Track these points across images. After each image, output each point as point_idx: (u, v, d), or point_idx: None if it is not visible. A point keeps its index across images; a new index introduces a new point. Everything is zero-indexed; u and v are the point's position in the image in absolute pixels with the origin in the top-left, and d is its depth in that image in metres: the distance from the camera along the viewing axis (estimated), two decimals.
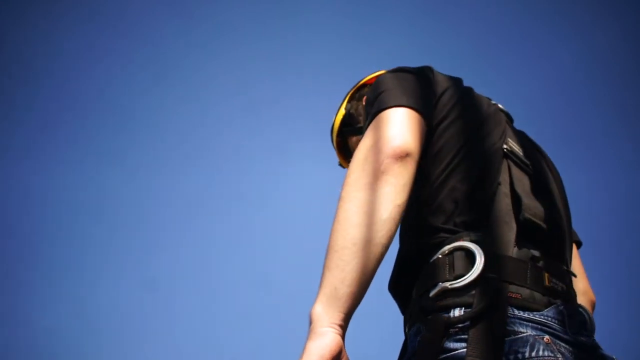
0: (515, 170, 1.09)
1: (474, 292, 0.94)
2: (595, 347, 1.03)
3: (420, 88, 1.11)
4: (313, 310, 0.94)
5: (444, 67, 1.23)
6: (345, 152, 1.56)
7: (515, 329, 0.93)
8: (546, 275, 1.00)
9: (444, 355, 0.92)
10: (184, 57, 5.01)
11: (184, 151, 5.09)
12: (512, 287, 0.96)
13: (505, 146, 1.11)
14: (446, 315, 0.94)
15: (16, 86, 4.81)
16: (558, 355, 0.91)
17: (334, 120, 1.54)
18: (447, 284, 0.96)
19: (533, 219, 1.03)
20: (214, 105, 5.12)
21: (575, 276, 1.12)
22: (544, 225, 1.04)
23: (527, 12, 4.43)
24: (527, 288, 0.97)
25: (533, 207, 1.04)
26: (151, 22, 4.94)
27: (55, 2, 4.81)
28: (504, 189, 1.06)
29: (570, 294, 1.06)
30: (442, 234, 1.03)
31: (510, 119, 1.28)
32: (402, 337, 1.10)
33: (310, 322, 0.94)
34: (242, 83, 4.99)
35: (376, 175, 0.98)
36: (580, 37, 4.36)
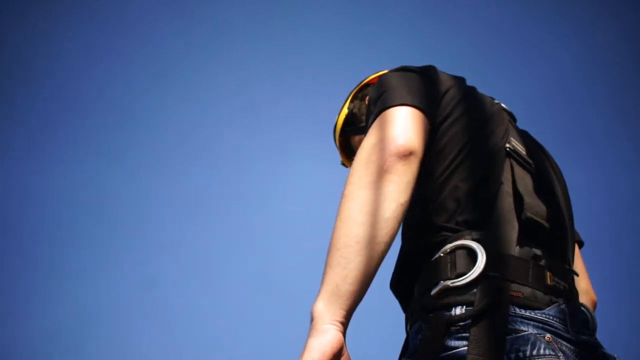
0: (518, 169, 1.09)
1: (475, 290, 0.94)
2: (597, 346, 1.04)
3: (424, 87, 1.11)
4: (315, 307, 0.95)
5: (444, 67, 1.23)
6: (348, 152, 1.56)
7: (517, 327, 0.93)
8: (548, 274, 1.00)
9: (445, 354, 0.92)
10: (184, 57, 5.01)
11: (183, 151, 5.09)
12: (514, 286, 0.96)
13: (507, 145, 1.11)
14: (447, 313, 0.94)
15: (16, 86, 4.81)
16: (559, 354, 0.91)
17: (337, 120, 1.54)
18: (449, 282, 0.97)
19: (535, 217, 1.03)
20: (214, 105, 5.12)
21: (577, 275, 1.12)
22: (546, 224, 1.05)
23: (527, 12, 4.43)
24: (529, 287, 0.97)
25: (535, 206, 1.05)
26: (151, 22, 4.94)
27: (55, 2, 4.81)
28: (507, 187, 1.06)
29: (572, 292, 1.06)
30: (444, 233, 1.04)
31: (513, 119, 1.28)
32: (404, 335, 1.10)
33: (312, 319, 0.94)
34: (242, 83, 5.00)
35: (379, 174, 0.99)
36: (580, 37, 4.36)
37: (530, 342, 0.91)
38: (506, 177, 1.07)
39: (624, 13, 4.15)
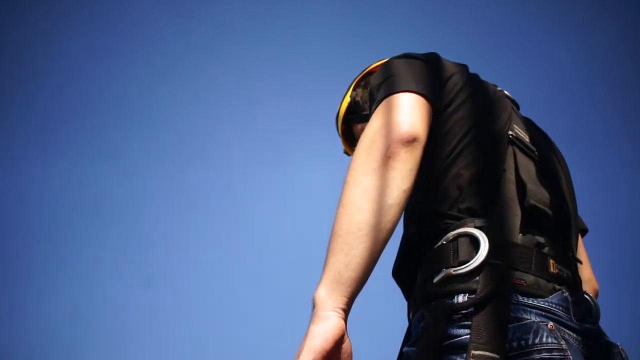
0: (521, 157, 1.08)
1: (478, 278, 0.94)
2: (600, 334, 1.03)
3: (427, 74, 1.11)
4: (316, 294, 0.94)
5: None
6: (350, 140, 1.55)
7: (519, 315, 0.92)
8: (551, 261, 1.00)
9: (448, 342, 0.92)
10: (183, 57, 5.01)
11: (182, 150, 5.09)
12: (517, 274, 0.96)
13: (510, 132, 1.11)
14: (450, 301, 0.94)
15: (16, 86, 4.81)
16: (562, 342, 0.91)
17: (339, 108, 1.53)
18: (451, 270, 0.96)
19: (538, 205, 1.02)
20: (213, 105, 5.12)
21: (581, 263, 1.12)
22: (549, 212, 1.04)
23: (527, 12, 4.44)
24: (532, 274, 0.97)
25: (538, 193, 1.04)
26: (151, 22, 4.94)
27: (55, 2, 4.82)
28: (509, 175, 1.05)
29: (576, 280, 1.06)
30: (447, 220, 1.03)
31: (516, 106, 1.28)
32: (406, 324, 1.09)
33: (314, 306, 0.94)
34: (241, 83, 5.00)
35: (382, 160, 0.98)
36: (580, 37, 4.37)
37: (532, 330, 0.91)
38: (509, 164, 1.06)
39: (624, 13, 4.16)
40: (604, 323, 1.12)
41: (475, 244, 0.97)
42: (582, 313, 1.00)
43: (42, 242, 4.78)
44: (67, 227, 4.84)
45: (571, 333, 0.95)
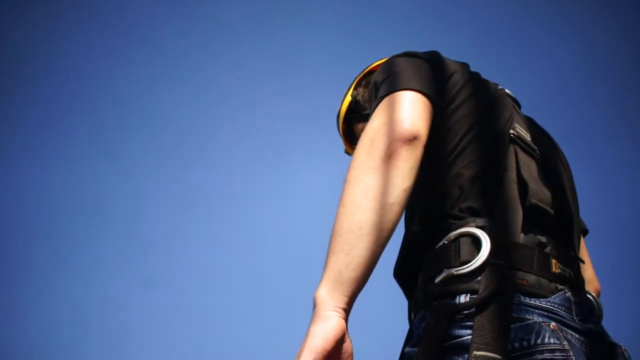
0: (522, 156, 1.08)
1: (479, 278, 0.93)
2: (603, 335, 1.03)
3: (428, 72, 1.10)
4: (317, 293, 0.94)
5: None
6: (351, 139, 1.54)
7: (521, 315, 0.92)
8: (554, 261, 0.99)
9: (449, 342, 0.91)
10: (183, 57, 5.01)
11: (181, 150, 5.09)
12: (519, 274, 0.95)
13: (512, 131, 1.10)
14: (452, 301, 0.94)
15: (16, 86, 4.80)
16: (564, 343, 0.91)
17: (340, 107, 1.53)
18: (453, 270, 0.96)
19: (540, 204, 1.02)
20: (213, 105, 5.12)
21: (583, 262, 1.11)
22: (551, 211, 1.03)
23: (527, 12, 4.43)
24: (534, 274, 0.96)
25: (540, 192, 1.03)
26: (151, 22, 4.94)
27: (55, 2, 4.81)
28: (511, 174, 1.05)
29: (578, 280, 1.05)
30: (448, 220, 1.03)
31: (517, 105, 1.27)
32: (407, 323, 1.09)
33: (314, 306, 0.93)
34: (241, 83, 5.00)
35: (383, 159, 0.98)
36: (580, 37, 4.36)
37: (534, 330, 0.90)
38: (510, 163, 1.06)
39: (624, 13, 4.16)
40: (605, 323, 1.12)
41: (477, 243, 0.96)
42: (585, 313, 1.00)
43: (42, 242, 4.78)
44: (67, 227, 4.84)
45: (573, 333, 0.94)
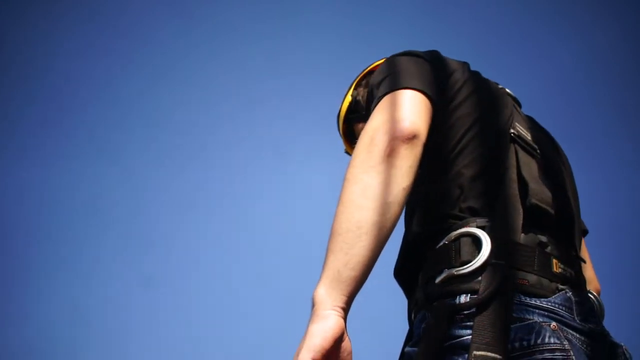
0: (523, 155, 1.08)
1: (480, 278, 0.93)
2: (604, 335, 1.02)
3: (428, 71, 1.10)
4: (316, 292, 0.93)
5: None
6: (352, 140, 1.53)
7: (522, 315, 0.92)
8: (554, 261, 0.99)
9: (449, 342, 0.91)
10: (183, 57, 5.01)
11: (181, 150, 5.09)
12: (519, 273, 0.95)
13: (512, 130, 1.10)
14: (452, 301, 0.94)
15: (16, 86, 4.81)
16: (565, 343, 0.90)
17: (341, 107, 1.53)
18: (453, 270, 0.96)
19: (540, 204, 1.02)
20: (213, 105, 5.12)
21: (584, 262, 1.11)
22: (551, 211, 1.03)
23: (527, 12, 4.43)
24: (535, 274, 0.96)
25: (540, 192, 1.03)
26: (151, 22, 4.94)
27: (55, 2, 4.81)
28: (511, 173, 1.04)
29: (580, 280, 1.05)
30: (449, 220, 1.02)
31: (518, 104, 1.27)
32: (407, 322, 1.09)
33: (313, 305, 0.93)
34: (241, 83, 5.00)
35: (382, 157, 0.97)
36: (580, 37, 4.36)
37: (535, 330, 0.90)
38: (511, 162, 1.06)
39: (624, 13, 4.16)
40: (605, 323, 1.12)
41: (477, 243, 0.96)
42: (586, 313, 0.99)
43: (42, 242, 4.78)
44: (67, 227, 4.84)
45: (574, 333, 0.94)
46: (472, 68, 1.21)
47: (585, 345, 0.95)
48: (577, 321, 0.96)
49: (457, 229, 1.00)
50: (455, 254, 0.97)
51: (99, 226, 4.88)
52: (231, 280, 4.91)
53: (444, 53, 1.21)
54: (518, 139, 1.10)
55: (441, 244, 1.00)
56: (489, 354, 0.86)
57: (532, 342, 0.89)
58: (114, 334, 4.57)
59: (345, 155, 1.60)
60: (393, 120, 1.00)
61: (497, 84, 1.24)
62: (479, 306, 0.91)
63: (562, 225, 1.07)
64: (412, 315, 1.06)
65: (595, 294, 1.21)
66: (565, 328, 0.93)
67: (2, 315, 4.45)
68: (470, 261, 0.95)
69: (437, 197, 1.06)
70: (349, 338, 0.95)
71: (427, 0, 4.68)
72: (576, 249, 1.10)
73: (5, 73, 4.74)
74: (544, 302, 0.94)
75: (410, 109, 1.02)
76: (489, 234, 0.96)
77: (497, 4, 4.53)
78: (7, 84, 4.75)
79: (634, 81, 4.15)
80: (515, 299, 0.93)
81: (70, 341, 4.48)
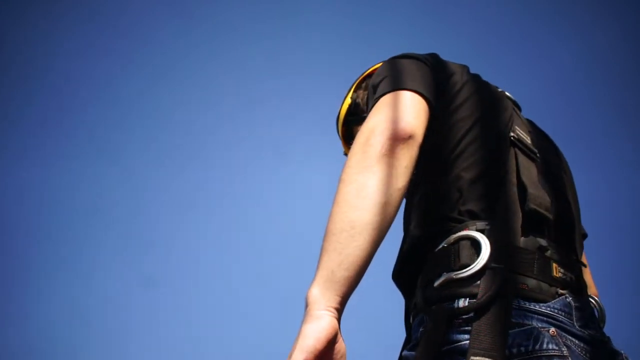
0: (522, 159, 1.07)
1: (479, 282, 0.92)
2: (604, 341, 1.01)
3: (426, 73, 1.10)
4: (309, 293, 0.93)
5: None
6: (350, 142, 1.52)
7: (520, 320, 0.91)
8: (554, 265, 0.98)
9: (447, 347, 0.90)
10: (183, 57, 5.01)
11: (182, 150, 5.09)
12: (519, 278, 0.94)
13: (512, 134, 1.09)
14: (450, 305, 0.93)
15: (16, 86, 4.80)
16: (563, 349, 0.89)
17: (340, 110, 1.52)
18: (452, 274, 0.95)
19: (538, 209, 1.01)
20: (213, 105, 5.12)
21: (585, 266, 1.10)
22: (549, 216, 1.02)
23: (527, 12, 4.43)
24: (534, 278, 0.95)
25: (539, 197, 1.02)
26: (151, 22, 4.94)
27: (55, 2, 4.81)
28: (511, 177, 1.04)
29: (580, 284, 1.04)
30: (448, 223, 1.01)
31: (518, 107, 1.26)
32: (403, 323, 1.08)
33: (306, 305, 0.92)
34: (241, 83, 5.00)
35: (378, 158, 0.97)
36: (580, 37, 4.36)
37: (533, 336, 0.89)
38: (510, 166, 1.05)
39: (624, 13, 4.15)
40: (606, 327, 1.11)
41: (476, 247, 0.95)
42: (586, 319, 0.98)
43: (42, 242, 4.78)
44: (67, 227, 4.85)
45: (573, 339, 0.93)
46: (472, 68, 1.21)
47: (584, 352, 0.93)
48: (577, 327, 0.95)
49: (457, 232, 0.99)
50: (454, 257, 0.96)
51: (99, 226, 4.88)
52: (231, 280, 4.91)
53: (444, 53, 1.21)
54: (518, 143, 1.09)
55: (440, 247, 1.00)
56: (487, 359, 0.85)
57: (530, 347, 0.88)
58: (114, 334, 4.57)
59: (345, 157, 1.59)
60: (389, 120, 1.00)
61: (497, 87, 1.23)
62: (478, 310, 0.90)
63: (562, 230, 1.06)
64: (410, 319, 1.06)
65: (596, 298, 1.20)
66: (564, 334, 0.92)
67: (2, 315, 4.45)
68: (470, 265, 0.94)
69: (436, 199, 1.05)
70: (342, 339, 0.95)
71: (427, 0, 4.68)
72: (576, 254, 1.09)
73: (5, 73, 4.74)
74: (543, 307, 0.93)
75: (407, 109, 1.01)
76: (488, 237, 0.95)
77: (497, 4, 4.53)
78: (7, 84, 4.75)
79: (634, 81, 4.15)
80: (514, 304, 0.92)
81: (70, 341, 4.49)
